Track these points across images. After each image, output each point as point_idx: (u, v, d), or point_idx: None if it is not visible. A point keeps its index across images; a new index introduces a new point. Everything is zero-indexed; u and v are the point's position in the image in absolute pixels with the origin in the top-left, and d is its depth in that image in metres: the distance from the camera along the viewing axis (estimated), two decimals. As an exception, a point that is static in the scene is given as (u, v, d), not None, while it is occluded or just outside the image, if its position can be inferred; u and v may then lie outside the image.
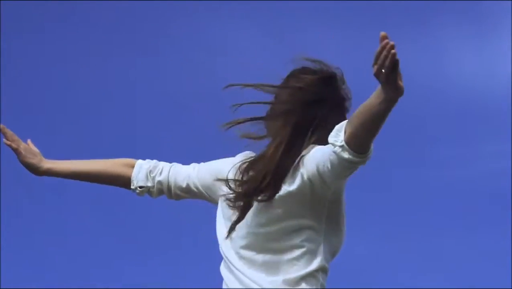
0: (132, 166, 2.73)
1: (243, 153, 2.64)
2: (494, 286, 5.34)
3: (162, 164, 2.73)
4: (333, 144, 2.32)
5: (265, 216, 2.46)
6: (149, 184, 2.70)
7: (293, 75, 2.64)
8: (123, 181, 2.72)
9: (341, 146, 2.30)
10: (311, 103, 2.54)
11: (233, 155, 2.68)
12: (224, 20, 6.36)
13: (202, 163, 2.71)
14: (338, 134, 2.32)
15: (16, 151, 2.80)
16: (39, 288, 5.88)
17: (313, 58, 2.65)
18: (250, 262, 2.47)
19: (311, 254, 2.46)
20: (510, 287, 4.94)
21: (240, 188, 2.50)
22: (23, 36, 6.46)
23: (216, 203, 2.62)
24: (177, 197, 2.71)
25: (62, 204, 6.34)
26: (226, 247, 2.53)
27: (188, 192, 2.69)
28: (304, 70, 2.64)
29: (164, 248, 6.18)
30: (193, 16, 6.35)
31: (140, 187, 2.69)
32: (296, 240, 2.46)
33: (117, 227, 6.26)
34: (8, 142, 2.80)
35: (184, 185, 2.67)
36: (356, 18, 6.27)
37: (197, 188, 2.66)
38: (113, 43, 6.42)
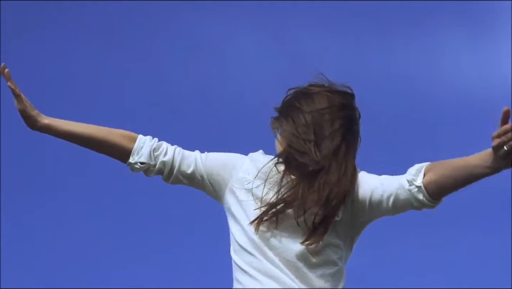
0: (133, 139, 2.60)
1: (257, 152, 2.59)
2: (494, 286, 5.34)
3: (165, 144, 2.62)
4: (409, 182, 2.39)
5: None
6: (152, 162, 2.58)
7: (317, 92, 2.59)
8: (121, 153, 2.59)
9: (418, 188, 2.38)
10: (354, 121, 2.56)
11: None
12: (222, 20, 6.35)
13: (207, 153, 2.62)
14: (418, 174, 2.39)
15: (18, 97, 2.62)
16: (39, 288, 5.88)
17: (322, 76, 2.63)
18: (286, 267, 2.45)
19: (341, 273, 2.49)
20: (510, 287, 4.94)
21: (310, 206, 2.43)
22: (23, 36, 6.47)
23: (215, 195, 2.57)
24: (176, 181, 2.59)
25: (62, 204, 6.34)
26: (254, 246, 2.46)
27: (190, 179, 2.58)
28: (327, 88, 2.61)
29: (163, 248, 6.18)
30: (190, 16, 6.35)
31: (141, 163, 2.57)
32: (333, 257, 2.47)
33: (117, 227, 6.26)
34: (13, 86, 2.62)
35: (188, 171, 2.57)
36: (353, 20, 6.27)
37: (201, 176, 2.56)
38: (110, 43, 6.42)
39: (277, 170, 2.49)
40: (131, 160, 2.57)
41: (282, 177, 2.47)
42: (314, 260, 2.44)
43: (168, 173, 2.58)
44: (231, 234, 2.53)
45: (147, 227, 6.20)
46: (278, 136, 2.59)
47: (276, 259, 2.43)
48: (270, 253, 2.44)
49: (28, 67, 6.44)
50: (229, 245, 2.56)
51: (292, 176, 2.47)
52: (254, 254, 2.45)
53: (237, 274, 2.49)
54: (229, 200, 2.54)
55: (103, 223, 6.27)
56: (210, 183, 2.57)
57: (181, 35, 6.35)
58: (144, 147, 2.57)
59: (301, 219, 2.41)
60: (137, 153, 2.57)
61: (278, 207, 2.43)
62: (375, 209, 2.45)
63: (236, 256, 2.50)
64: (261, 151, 2.60)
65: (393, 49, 5.99)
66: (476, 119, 6.03)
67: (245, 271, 2.46)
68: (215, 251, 5.46)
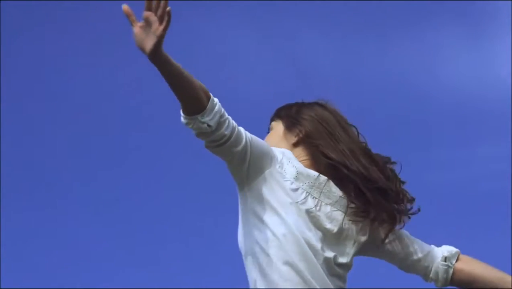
0: (207, 96, 2.43)
1: (287, 150, 2.64)
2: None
3: (226, 114, 2.48)
4: (444, 257, 2.76)
5: (359, 230, 2.63)
6: (214, 128, 2.43)
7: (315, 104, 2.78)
8: (196, 105, 2.41)
9: (449, 267, 2.75)
10: None
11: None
12: (218, 19, 6.36)
13: (251, 134, 2.56)
14: (454, 257, 2.77)
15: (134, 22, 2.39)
16: (39, 288, 5.88)
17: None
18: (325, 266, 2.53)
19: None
20: (510, 287, 4.92)
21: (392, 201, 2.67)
22: (23, 36, 6.47)
23: (244, 176, 2.52)
24: (220, 152, 2.49)
25: (62, 204, 6.35)
26: (297, 241, 2.50)
27: (234, 155, 2.49)
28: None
29: (164, 248, 6.19)
30: (186, 16, 6.35)
31: (208, 125, 2.42)
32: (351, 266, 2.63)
33: (117, 227, 6.26)
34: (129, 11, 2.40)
35: (238, 148, 2.48)
36: (350, 20, 6.27)
37: (245, 156, 2.51)
38: (105, 44, 6.43)
39: (322, 180, 2.60)
40: (200, 117, 2.41)
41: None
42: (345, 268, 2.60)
43: (221, 143, 2.47)
44: (259, 222, 2.52)
45: (148, 227, 6.21)
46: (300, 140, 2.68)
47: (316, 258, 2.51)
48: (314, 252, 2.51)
49: (28, 67, 6.44)
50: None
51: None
52: (297, 249, 2.48)
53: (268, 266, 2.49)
54: (263, 188, 2.53)
55: (103, 223, 6.27)
56: (249, 164, 2.52)
57: (176, 34, 6.34)
58: (216, 109, 2.43)
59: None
60: (208, 114, 2.41)
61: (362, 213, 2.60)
62: (398, 254, 2.75)
63: (267, 246, 2.49)
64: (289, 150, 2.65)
65: (390, 48, 5.99)
66: (472, 119, 6.04)
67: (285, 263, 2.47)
68: (214, 251, 5.47)
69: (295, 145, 2.68)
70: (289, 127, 2.73)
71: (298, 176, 2.54)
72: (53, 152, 6.25)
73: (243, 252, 2.56)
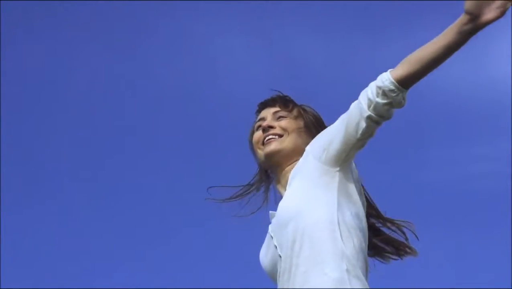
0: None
1: None
2: (494, 286, 5.35)
3: None
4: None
5: None
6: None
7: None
8: (414, 81, 2.37)
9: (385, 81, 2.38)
10: None
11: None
12: (209, 19, 6.37)
13: None
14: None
15: None
16: (39, 288, 5.89)
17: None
18: None
19: None
20: (510, 287, 4.94)
21: None
22: (23, 36, 6.48)
23: (343, 157, 2.45)
24: (377, 127, 2.43)
25: (62, 205, 6.35)
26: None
27: (363, 141, 2.45)
28: None
29: (164, 248, 6.19)
30: (178, 15, 6.36)
31: (403, 101, 2.38)
32: None
33: (117, 227, 6.26)
34: None
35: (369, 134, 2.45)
36: (341, 19, 6.28)
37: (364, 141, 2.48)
38: (100, 41, 6.44)
39: None
40: (405, 93, 2.38)
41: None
42: None
43: (384, 121, 2.42)
44: (350, 203, 2.48)
45: (148, 227, 6.21)
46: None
47: None
48: None
49: (28, 67, 6.45)
50: None
51: None
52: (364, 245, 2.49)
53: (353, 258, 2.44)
54: (348, 175, 2.50)
55: (103, 223, 6.28)
56: (360, 147, 2.48)
57: (169, 33, 6.36)
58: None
59: None
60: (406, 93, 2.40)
61: None
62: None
63: (354, 231, 2.45)
64: None
65: (381, 47, 6.01)
66: (462, 119, 6.06)
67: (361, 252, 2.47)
68: (213, 251, 5.47)
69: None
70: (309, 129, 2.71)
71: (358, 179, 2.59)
72: (54, 153, 6.26)
73: (313, 218, 2.43)
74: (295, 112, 2.73)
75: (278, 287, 2.46)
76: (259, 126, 2.70)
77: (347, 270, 2.37)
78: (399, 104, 2.37)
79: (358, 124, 2.38)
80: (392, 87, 2.34)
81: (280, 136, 2.65)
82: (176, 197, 5.97)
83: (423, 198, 5.69)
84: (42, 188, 6.40)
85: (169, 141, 5.94)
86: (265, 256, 2.55)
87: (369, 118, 2.37)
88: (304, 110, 2.74)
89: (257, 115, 2.76)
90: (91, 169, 6.34)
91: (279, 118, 2.70)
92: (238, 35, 6.39)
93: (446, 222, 5.66)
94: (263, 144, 2.66)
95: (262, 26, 6.37)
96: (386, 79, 2.34)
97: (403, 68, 2.34)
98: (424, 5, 5.95)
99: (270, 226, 2.55)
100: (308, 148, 2.53)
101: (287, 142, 2.64)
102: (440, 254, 5.64)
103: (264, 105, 2.76)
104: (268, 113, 2.72)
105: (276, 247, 2.46)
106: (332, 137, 2.45)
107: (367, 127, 2.38)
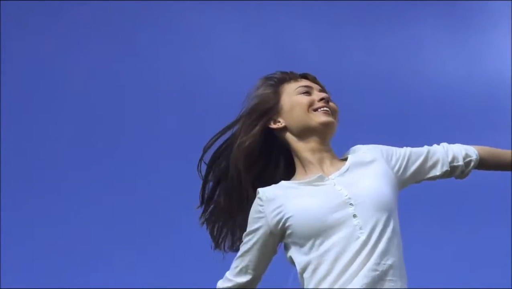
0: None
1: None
2: (494, 286, 5.34)
3: None
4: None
5: None
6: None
7: None
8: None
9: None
10: None
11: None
12: (204, 11, 6.36)
13: None
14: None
15: None
16: (39, 288, 5.88)
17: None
18: None
19: None
20: (510, 287, 4.93)
21: None
22: (23, 36, 6.48)
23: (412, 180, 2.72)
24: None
25: (63, 205, 6.35)
26: None
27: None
28: None
29: (164, 248, 6.19)
30: (175, 11, 6.35)
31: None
32: None
33: (117, 227, 6.26)
34: None
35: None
36: (336, 14, 6.28)
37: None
38: (96, 39, 6.44)
39: None
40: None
41: None
42: None
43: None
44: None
45: (148, 227, 6.21)
46: None
47: None
48: None
49: (27, 64, 6.45)
50: None
51: None
52: None
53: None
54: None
55: (103, 223, 6.27)
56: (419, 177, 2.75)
57: (160, 25, 6.36)
58: None
59: None
60: None
61: None
62: None
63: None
64: None
65: (376, 42, 6.00)
66: (457, 114, 6.05)
67: None
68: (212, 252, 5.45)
69: None
70: None
71: None
72: (53, 153, 6.26)
73: (391, 224, 2.53)
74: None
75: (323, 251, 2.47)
76: (307, 92, 2.68)
77: None
78: (465, 175, 2.78)
79: (434, 167, 2.73)
80: (476, 164, 2.75)
81: (332, 114, 2.67)
82: (175, 196, 5.97)
83: (421, 196, 5.69)
84: (42, 188, 6.40)
85: (167, 138, 5.95)
86: (329, 212, 2.50)
87: (446, 172, 2.71)
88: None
89: (292, 78, 2.73)
90: (94, 169, 6.34)
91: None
92: (233, 30, 6.40)
93: (444, 220, 5.67)
94: (314, 110, 2.65)
95: (257, 19, 6.39)
96: (475, 154, 2.77)
97: (487, 158, 2.80)
98: (418, 1, 5.96)
99: (335, 184, 2.56)
100: (383, 148, 2.69)
101: (336, 123, 2.67)
102: (440, 254, 5.64)
103: (306, 77, 2.75)
104: (315, 87, 2.71)
105: (354, 216, 2.49)
106: (410, 161, 2.71)
107: (440, 176, 2.72)
